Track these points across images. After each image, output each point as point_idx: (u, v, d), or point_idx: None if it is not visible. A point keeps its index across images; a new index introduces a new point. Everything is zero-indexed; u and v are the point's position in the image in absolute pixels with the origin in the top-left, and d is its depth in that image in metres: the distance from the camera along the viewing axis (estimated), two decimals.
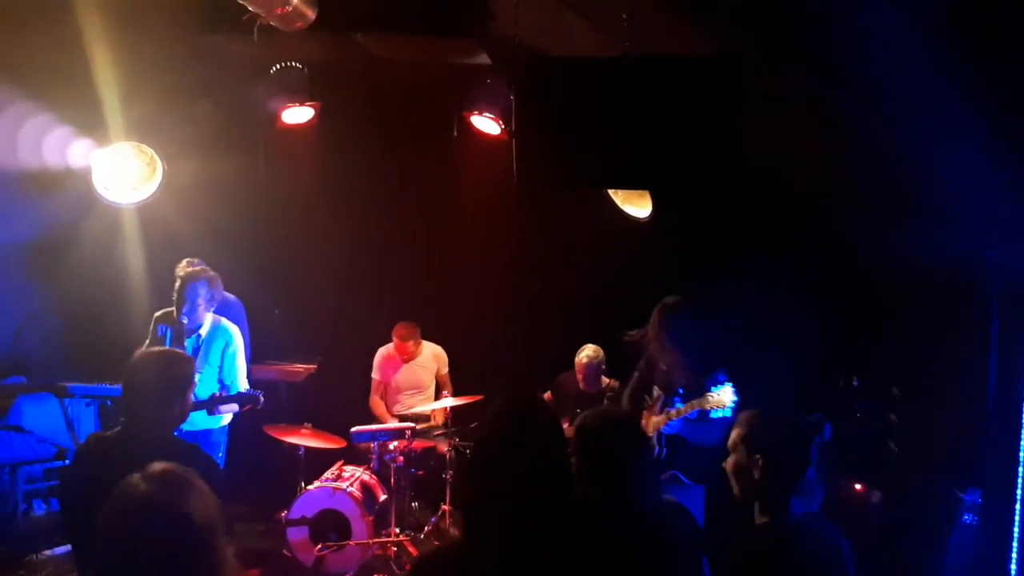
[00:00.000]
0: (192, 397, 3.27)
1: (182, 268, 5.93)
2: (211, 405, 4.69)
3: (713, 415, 4.06)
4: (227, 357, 5.03)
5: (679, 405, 4.22)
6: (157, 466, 2.09)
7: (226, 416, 5.14)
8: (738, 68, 3.31)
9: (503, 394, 2.31)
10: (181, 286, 4.87)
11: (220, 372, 5.02)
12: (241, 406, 4.83)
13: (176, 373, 3.16)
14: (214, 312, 5.23)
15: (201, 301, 4.87)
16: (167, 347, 4.63)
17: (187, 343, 4.90)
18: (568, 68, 3.64)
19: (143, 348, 4.63)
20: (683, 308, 4.30)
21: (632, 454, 2.74)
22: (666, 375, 4.36)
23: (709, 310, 4.37)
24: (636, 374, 4.55)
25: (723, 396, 4.07)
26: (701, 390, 4.20)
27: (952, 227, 4.07)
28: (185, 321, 4.85)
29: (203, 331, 4.97)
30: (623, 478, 2.69)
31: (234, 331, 5.11)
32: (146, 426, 3.05)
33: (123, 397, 3.14)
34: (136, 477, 2.05)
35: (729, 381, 4.12)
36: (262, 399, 4.79)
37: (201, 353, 4.92)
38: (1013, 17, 3.10)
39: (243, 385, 5.08)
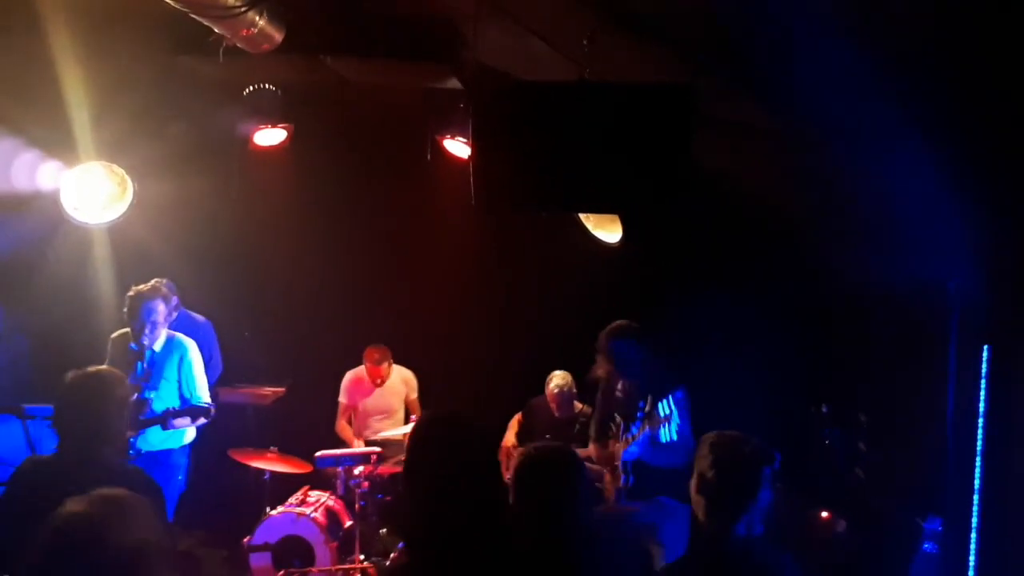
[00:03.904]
0: (128, 418, 3.21)
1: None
2: (164, 420, 4.64)
3: (662, 438, 4.02)
4: (184, 371, 4.97)
5: (634, 429, 4.21)
6: (96, 491, 2.05)
7: (187, 435, 5.08)
8: (690, 96, 3.33)
9: (425, 413, 2.34)
10: (135, 306, 4.80)
11: (180, 387, 4.96)
12: (193, 419, 4.78)
13: (118, 394, 3.09)
14: (180, 330, 5.22)
15: (159, 319, 4.82)
16: (104, 367, 4.55)
17: (141, 361, 4.84)
18: (526, 92, 3.66)
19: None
20: (626, 332, 4.31)
21: (561, 495, 2.70)
22: (624, 401, 4.34)
23: (654, 332, 4.38)
24: (598, 405, 4.54)
25: (665, 415, 4.03)
26: (655, 409, 4.18)
27: (912, 255, 4.09)
28: (146, 343, 4.80)
29: (156, 347, 4.90)
30: (553, 520, 2.66)
31: (189, 344, 5.06)
32: (87, 449, 2.96)
33: (60, 418, 3.05)
34: (69, 501, 2.01)
35: (687, 400, 4.10)
36: (213, 410, 4.75)
37: (156, 369, 4.86)
38: (968, 47, 3.13)
39: (204, 398, 5.01)
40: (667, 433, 4.00)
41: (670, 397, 4.06)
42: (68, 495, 2.75)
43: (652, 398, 4.18)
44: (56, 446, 3.04)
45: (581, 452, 5.23)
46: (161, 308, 4.83)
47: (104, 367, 3.97)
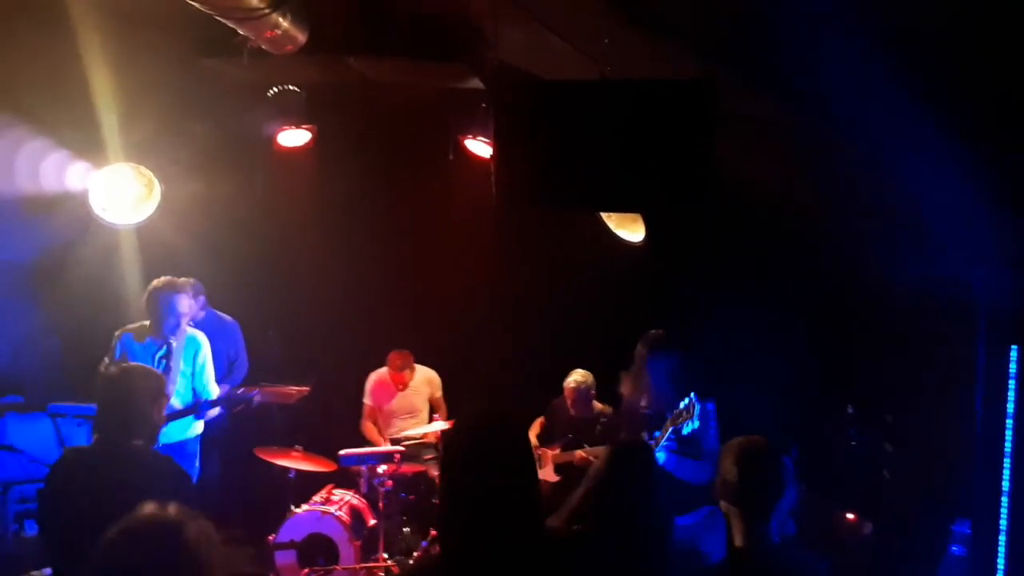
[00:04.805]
0: (163, 410, 3.35)
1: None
2: (197, 410, 4.78)
3: (685, 431, 3.96)
4: (198, 365, 5.09)
5: (657, 433, 4.13)
6: (159, 504, 2.08)
7: (198, 426, 5.19)
8: (712, 92, 3.30)
9: (468, 410, 2.31)
10: (162, 300, 4.86)
11: (192, 380, 5.06)
12: (232, 407, 4.84)
13: (150, 388, 3.25)
14: (207, 330, 5.33)
15: (184, 310, 4.90)
16: (135, 362, 4.63)
17: (158, 354, 4.92)
18: (547, 91, 3.66)
19: (107, 364, 4.72)
20: (661, 343, 4.23)
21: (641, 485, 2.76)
22: (651, 416, 4.25)
23: (679, 335, 4.31)
24: (625, 416, 4.46)
25: (687, 408, 3.97)
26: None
27: (940, 254, 4.04)
28: (174, 343, 4.88)
29: (173, 342, 4.98)
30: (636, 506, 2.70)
31: (202, 338, 5.18)
32: (121, 439, 3.12)
33: (97, 412, 3.23)
34: (143, 508, 2.03)
35: (715, 416, 4.03)
36: (256, 398, 4.82)
37: (174, 363, 4.95)
38: (992, 44, 3.09)
39: (213, 390, 5.14)
40: (689, 426, 3.93)
41: (693, 396, 3.99)
42: (104, 481, 2.90)
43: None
44: (94, 437, 3.21)
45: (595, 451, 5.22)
46: (185, 302, 4.91)
47: (136, 364, 4.12)
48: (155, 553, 1.93)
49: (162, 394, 3.33)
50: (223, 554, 2.05)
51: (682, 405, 3.99)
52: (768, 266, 5.72)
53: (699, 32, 3.50)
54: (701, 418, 3.96)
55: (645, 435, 4.25)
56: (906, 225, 4.21)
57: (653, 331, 4.35)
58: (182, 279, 5.29)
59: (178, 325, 4.89)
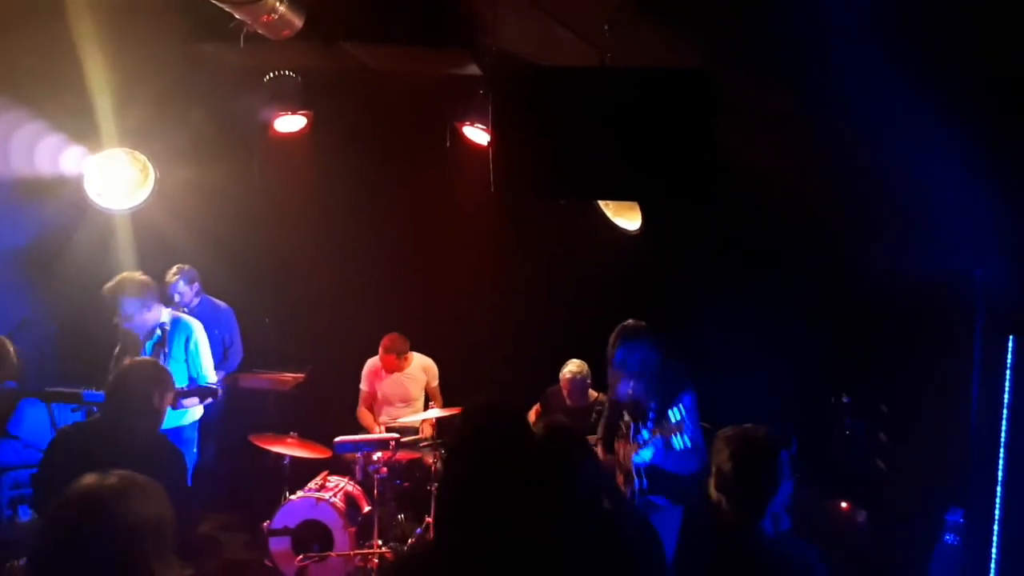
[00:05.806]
0: (166, 402, 3.48)
1: (171, 275, 5.98)
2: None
3: (676, 445, 3.92)
4: (191, 352, 5.11)
5: (645, 433, 4.13)
6: (114, 471, 2.11)
7: (196, 412, 5.21)
8: (714, 81, 3.29)
9: (469, 401, 2.33)
10: (111, 306, 4.86)
11: (188, 367, 5.07)
12: (201, 399, 4.89)
13: (164, 379, 3.48)
14: (202, 316, 5.30)
15: (136, 311, 4.88)
16: (150, 358, 4.63)
17: (147, 344, 4.92)
18: (546, 77, 3.64)
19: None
20: (636, 333, 4.21)
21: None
22: (633, 401, 4.26)
23: (673, 322, 4.30)
24: (607, 410, 4.47)
25: (676, 421, 3.93)
26: (665, 416, 4.11)
27: (938, 245, 4.04)
28: (167, 329, 4.90)
29: (166, 327, 5.00)
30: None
31: (195, 325, 5.19)
32: (125, 417, 3.28)
33: (109, 392, 3.37)
34: (86, 476, 2.08)
35: (696, 405, 4.02)
36: (220, 391, 4.91)
37: (169, 350, 4.98)
38: (996, 37, 3.08)
39: (211, 377, 5.16)
40: (680, 440, 3.89)
41: (680, 404, 3.95)
42: (100, 455, 2.99)
43: (662, 401, 4.10)
44: (101, 413, 3.44)
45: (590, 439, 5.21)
46: (129, 303, 4.86)
47: (145, 358, 4.18)
48: (84, 526, 1.96)
49: (168, 386, 3.46)
50: (170, 526, 2.05)
51: (672, 420, 3.93)
52: (766, 256, 5.72)
53: (706, 22, 3.48)
54: (689, 423, 3.93)
55: (631, 423, 4.24)
56: (905, 216, 4.20)
57: (625, 323, 4.33)
58: (176, 266, 5.27)
59: (132, 322, 4.89)
